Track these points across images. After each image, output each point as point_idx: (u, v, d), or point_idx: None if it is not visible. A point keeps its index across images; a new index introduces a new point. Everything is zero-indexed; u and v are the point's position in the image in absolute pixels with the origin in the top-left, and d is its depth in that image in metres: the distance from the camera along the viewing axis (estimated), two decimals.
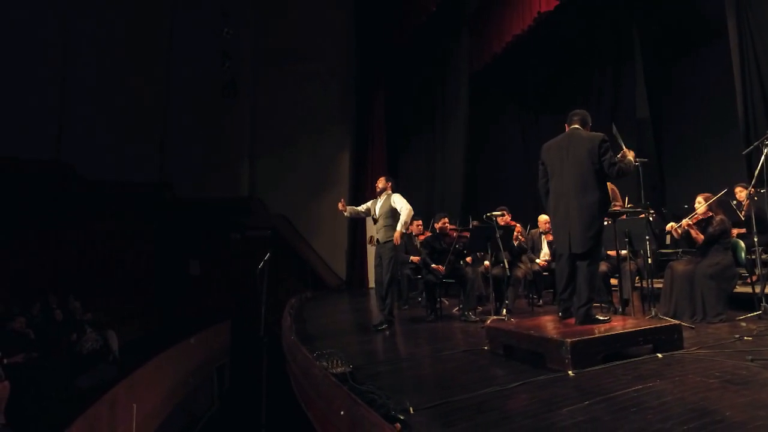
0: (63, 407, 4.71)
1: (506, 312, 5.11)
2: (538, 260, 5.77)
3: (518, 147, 9.50)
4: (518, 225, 5.68)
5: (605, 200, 3.25)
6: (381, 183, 5.15)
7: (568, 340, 2.73)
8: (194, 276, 11.41)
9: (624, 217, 4.23)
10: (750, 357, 2.73)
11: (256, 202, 11.78)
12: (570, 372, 2.68)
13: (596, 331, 2.96)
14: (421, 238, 6.57)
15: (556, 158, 3.36)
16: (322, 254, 11.52)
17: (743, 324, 3.93)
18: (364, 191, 11.14)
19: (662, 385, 2.38)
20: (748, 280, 4.82)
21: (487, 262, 5.66)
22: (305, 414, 3.33)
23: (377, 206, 5.09)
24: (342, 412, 2.32)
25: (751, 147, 4.23)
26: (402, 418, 2.16)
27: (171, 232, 11.34)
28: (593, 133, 3.33)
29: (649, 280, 4.78)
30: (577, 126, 3.40)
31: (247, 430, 7.00)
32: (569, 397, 2.32)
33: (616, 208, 4.09)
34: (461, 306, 5.58)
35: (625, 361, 2.86)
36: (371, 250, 10.65)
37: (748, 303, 4.38)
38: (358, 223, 11.15)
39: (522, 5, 7.86)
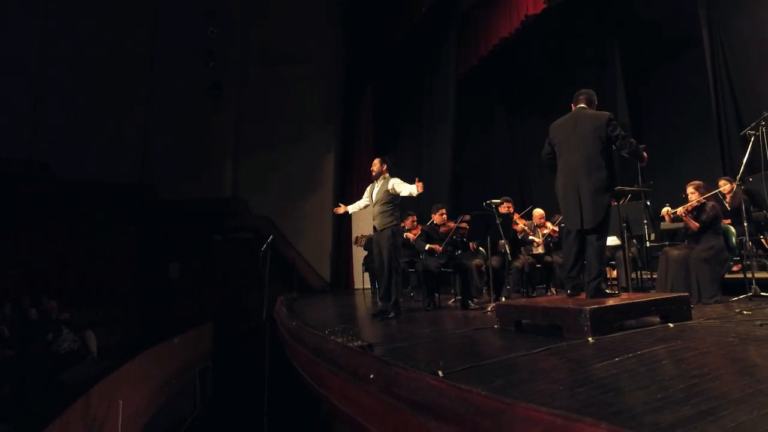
0: (46, 402, 4.46)
1: (505, 299, 5.16)
2: (536, 239, 5.85)
3: (504, 146, 9.71)
4: (522, 219, 5.75)
5: (612, 178, 3.32)
6: (376, 167, 4.84)
7: (587, 307, 2.76)
8: (173, 279, 11.09)
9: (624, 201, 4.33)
10: (759, 322, 2.82)
11: (240, 203, 11.58)
12: (590, 339, 2.71)
13: (610, 301, 3.00)
14: (415, 232, 6.56)
15: (564, 137, 3.43)
16: (306, 256, 11.38)
17: (737, 304, 4.06)
18: (350, 193, 11.10)
19: (685, 344, 2.43)
20: (735, 268, 5.03)
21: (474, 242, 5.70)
22: (314, 394, 3.25)
23: (374, 191, 4.86)
24: (372, 376, 2.27)
25: (747, 129, 4.42)
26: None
27: (151, 233, 11.02)
28: (599, 111, 3.42)
29: (642, 271, 4.91)
30: (583, 105, 3.48)
31: (245, 420, 6.80)
32: (598, 356, 2.33)
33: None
34: (458, 298, 5.60)
35: (640, 329, 2.91)
36: (356, 251, 10.62)
37: (737, 287, 4.53)
38: (342, 224, 11.08)
39: (510, 8, 8.06)
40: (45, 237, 9.75)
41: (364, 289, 9.35)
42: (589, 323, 2.73)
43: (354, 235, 10.66)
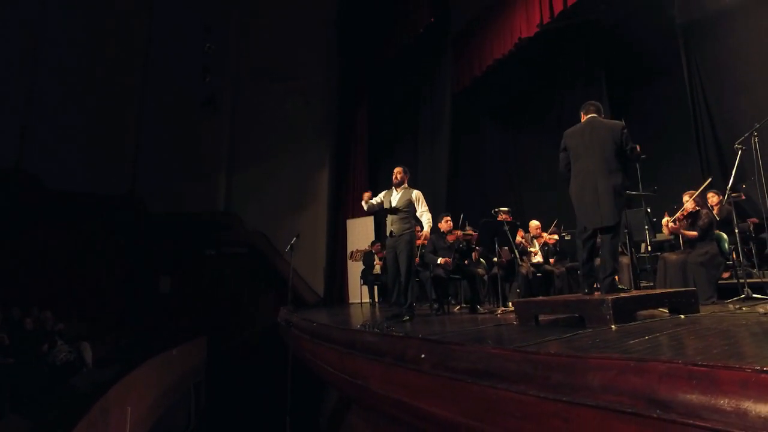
0: (58, 405, 4.40)
1: (512, 305, 5.34)
2: (534, 249, 6.09)
3: (496, 160, 10.11)
4: (520, 229, 5.99)
5: (625, 181, 3.60)
6: (399, 175, 5.00)
7: (609, 297, 2.97)
8: (164, 293, 10.96)
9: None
10: (763, 311, 3.07)
11: (233, 217, 11.60)
12: (612, 326, 2.91)
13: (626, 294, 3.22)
14: (419, 243, 6.73)
15: (579, 143, 3.70)
16: (299, 270, 11.38)
17: (733, 304, 4.34)
18: (344, 207, 11.26)
19: (704, 326, 2.65)
20: (724, 275, 5.35)
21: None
22: (342, 388, 3.35)
23: (395, 197, 4.94)
24: (423, 356, 2.41)
25: (736, 143, 4.76)
26: None
27: (142, 247, 10.91)
28: (613, 120, 3.72)
29: (639, 280, 5.18)
30: (594, 114, 3.78)
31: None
32: (627, 337, 2.51)
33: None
34: (463, 306, 5.75)
35: (656, 318, 3.13)
36: (351, 266, 10.72)
37: (730, 292, 4.83)
38: (338, 238, 11.19)
39: (504, 31, 8.50)
40: (34, 248, 9.58)
41: (361, 302, 9.40)
42: (611, 312, 2.93)
43: (349, 250, 10.79)
